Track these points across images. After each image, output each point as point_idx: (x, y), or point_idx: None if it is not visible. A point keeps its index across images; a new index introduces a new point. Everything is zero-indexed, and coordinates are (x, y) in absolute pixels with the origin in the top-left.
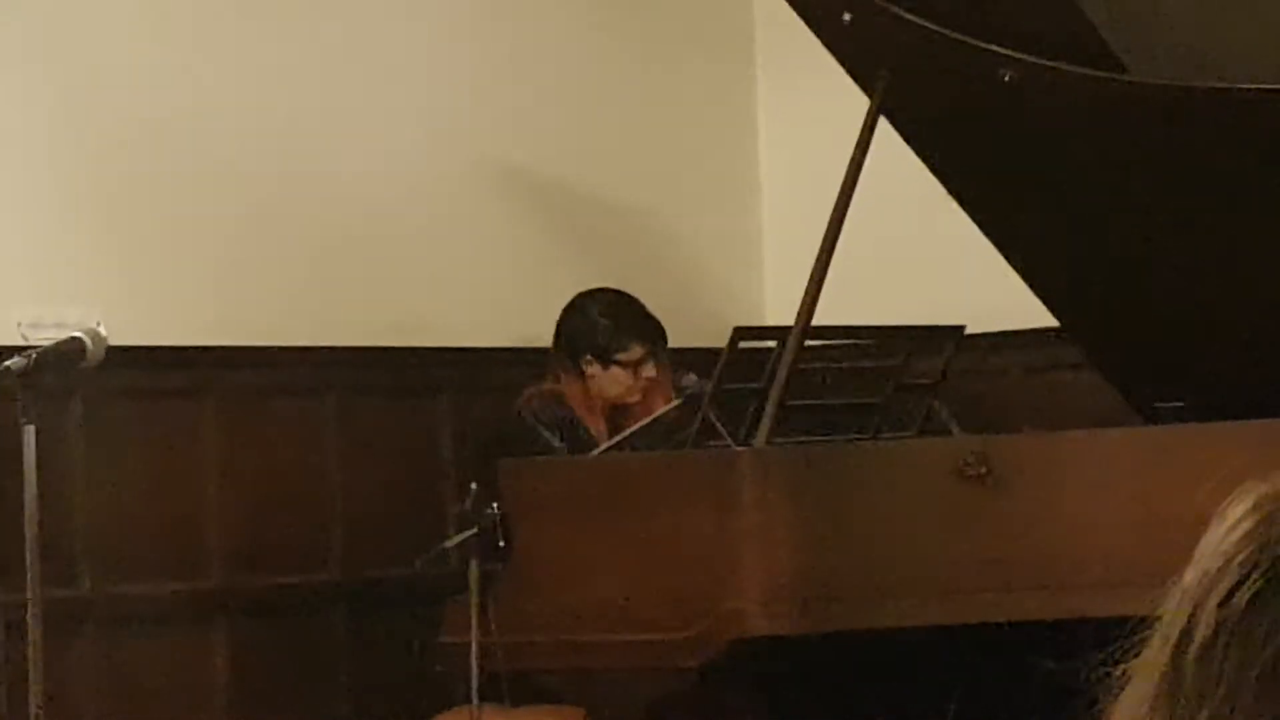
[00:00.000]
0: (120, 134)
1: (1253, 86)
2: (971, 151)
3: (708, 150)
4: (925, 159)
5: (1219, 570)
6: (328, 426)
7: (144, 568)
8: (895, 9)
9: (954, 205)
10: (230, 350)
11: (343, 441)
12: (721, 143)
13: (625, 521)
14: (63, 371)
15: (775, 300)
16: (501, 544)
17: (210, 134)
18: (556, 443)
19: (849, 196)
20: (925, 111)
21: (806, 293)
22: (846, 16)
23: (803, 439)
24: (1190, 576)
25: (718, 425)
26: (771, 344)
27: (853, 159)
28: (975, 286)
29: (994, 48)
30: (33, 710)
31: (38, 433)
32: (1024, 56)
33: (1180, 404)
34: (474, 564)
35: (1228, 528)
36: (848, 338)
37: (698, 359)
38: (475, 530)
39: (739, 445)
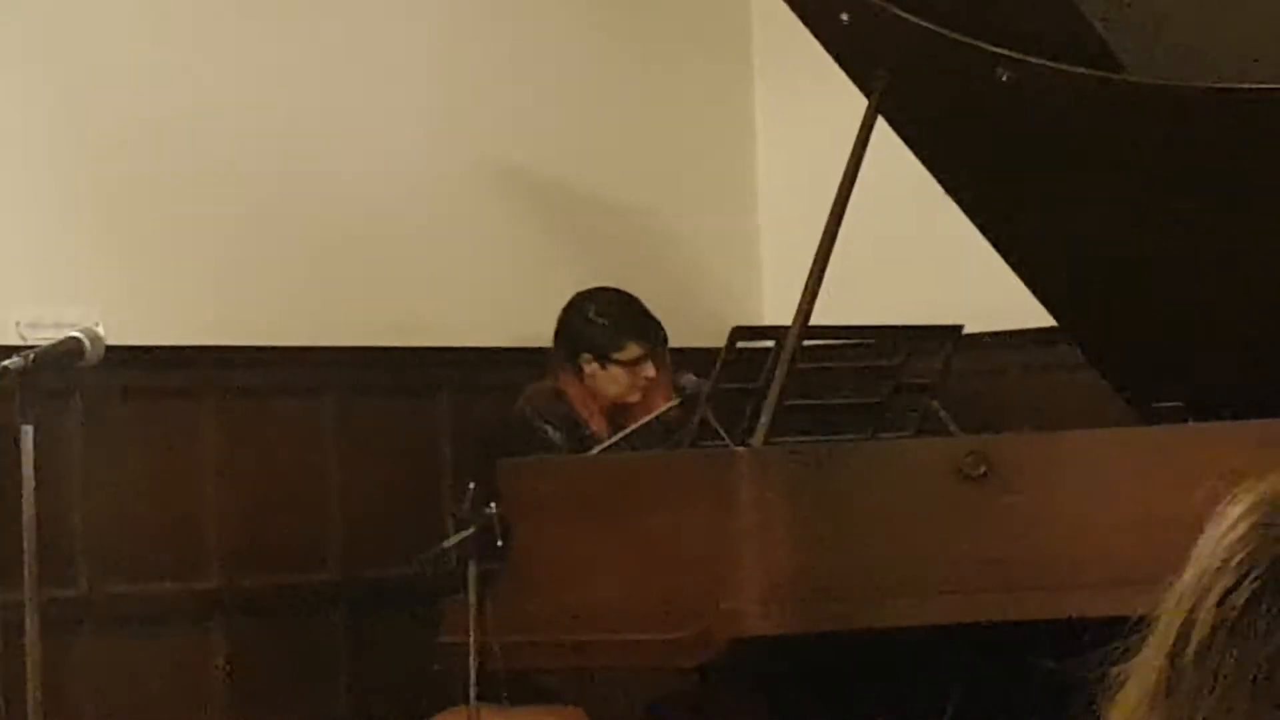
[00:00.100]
0: (120, 134)
1: (1252, 86)
2: (970, 151)
3: (706, 150)
4: (923, 159)
5: (1216, 571)
6: (327, 426)
7: (143, 568)
8: (893, 9)
9: (952, 205)
10: (229, 350)
11: (342, 441)
12: (720, 143)
13: (624, 521)
14: (61, 371)
15: (773, 300)
16: (500, 544)
17: (210, 134)
18: (558, 439)
19: (847, 196)
20: (923, 111)
21: (804, 292)
22: (844, 16)
23: (801, 439)
24: (1188, 577)
25: (715, 425)
26: (769, 344)
27: (851, 159)
28: (973, 286)
29: (992, 48)
30: (31, 710)
31: (36, 433)
32: (1022, 56)
33: (1178, 404)
34: (472, 564)
35: (1225, 528)
36: (846, 337)
37: (696, 359)
38: (473, 530)
39: (737, 445)
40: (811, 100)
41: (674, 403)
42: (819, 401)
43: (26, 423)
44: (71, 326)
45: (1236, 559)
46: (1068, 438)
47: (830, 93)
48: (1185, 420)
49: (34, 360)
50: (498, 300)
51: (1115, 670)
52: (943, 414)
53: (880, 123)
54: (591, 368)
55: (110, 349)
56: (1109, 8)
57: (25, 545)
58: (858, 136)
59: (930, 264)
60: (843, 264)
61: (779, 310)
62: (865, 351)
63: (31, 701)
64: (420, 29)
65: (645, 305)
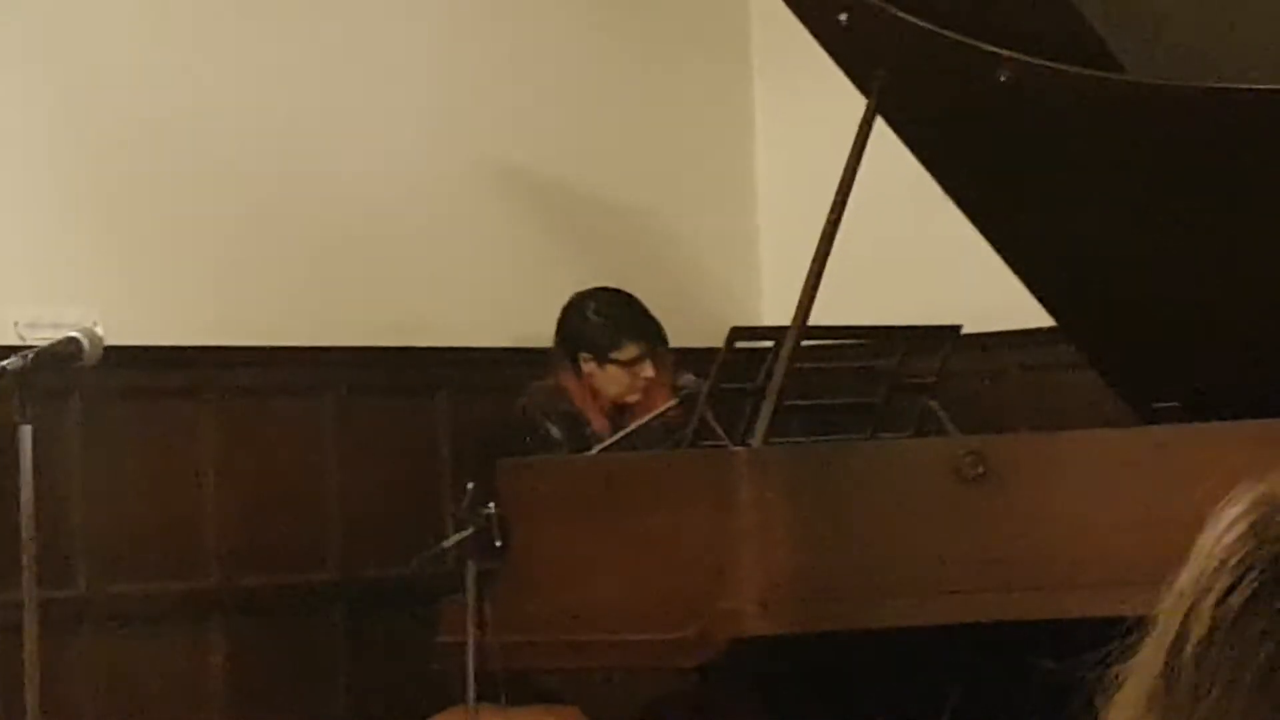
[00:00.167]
0: (120, 134)
1: (1251, 86)
2: (969, 152)
3: (705, 150)
4: (922, 159)
5: (1214, 571)
6: (326, 426)
7: (141, 567)
8: (892, 9)
9: (950, 205)
10: (229, 350)
11: (341, 441)
12: (719, 143)
13: (623, 521)
14: (60, 371)
15: (772, 300)
16: (498, 544)
17: (210, 134)
18: (559, 437)
19: (846, 196)
20: (922, 112)
21: (803, 292)
22: (843, 17)
23: (800, 439)
24: (1186, 577)
25: (714, 425)
26: (768, 344)
27: (849, 159)
28: (972, 286)
29: (991, 48)
30: (30, 710)
31: (35, 433)
32: (1021, 56)
33: (1177, 404)
34: (471, 564)
35: (1223, 528)
36: (845, 337)
37: (695, 359)
38: (472, 530)
39: (736, 445)
40: (811, 100)
41: (673, 402)
42: (818, 401)
43: (25, 423)
44: (70, 326)
45: (1235, 559)
46: (1066, 438)
47: (829, 93)
48: (1183, 420)
49: (33, 360)
50: (497, 300)
51: (1114, 670)
52: (941, 414)
53: (879, 123)
54: (590, 367)
55: (109, 349)
56: (1109, 8)
57: (24, 545)
58: (856, 136)
59: (929, 264)
60: (842, 264)
61: (778, 310)
62: (864, 351)
63: (30, 701)
64: (420, 29)
65: (645, 305)
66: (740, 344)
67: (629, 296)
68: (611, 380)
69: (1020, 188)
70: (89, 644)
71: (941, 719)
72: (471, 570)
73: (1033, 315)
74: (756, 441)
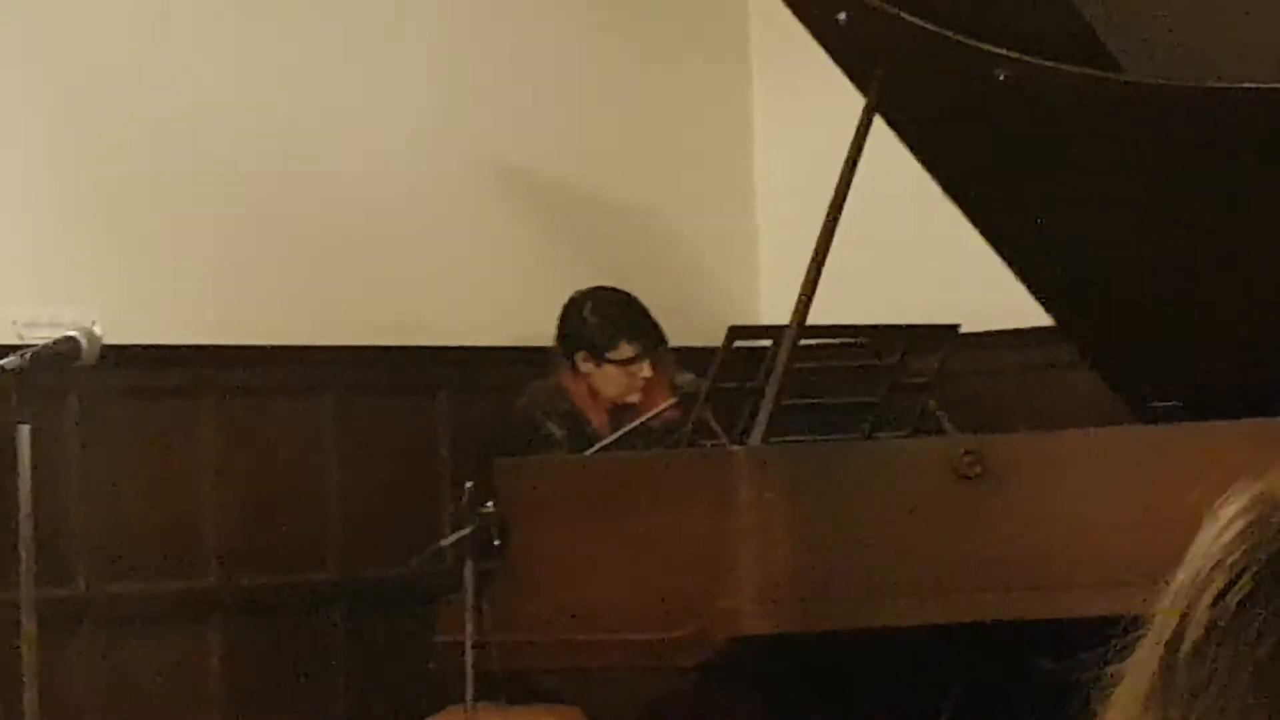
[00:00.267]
0: (120, 134)
1: (1251, 86)
2: (968, 151)
3: (705, 151)
4: (921, 159)
5: (1211, 570)
6: (326, 426)
7: (140, 567)
8: (891, 9)
9: (949, 205)
10: (228, 349)
11: (341, 441)
12: (718, 143)
13: (621, 521)
14: (59, 371)
15: (771, 299)
16: (497, 543)
17: (210, 134)
18: (561, 436)
19: (844, 196)
20: (921, 111)
21: (802, 291)
22: (842, 16)
23: (799, 438)
24: (1183, 576)
25: (713, 424)
26: (767, 343)
27: (848, 158)
28: (970, 285)
29: (990, 47)
30: (28, 709)
31: (33, 432)
32: (1020, 56)
33: (1176, 403)
34: (469, 563)
35: (1220, 527)
36: (843, 337)
37: (693, 358)
38: (470, 530)
39: (735, 444)
40: (809, 100)
41: (671, 402)
42: (816, 401)
43: (24, 422)
44: (69, 326)
45: (1231, 558)
46: (1065, 437)
47: (828, 93)
48: (1181, 419)
49: (31, 360)
50: (497, 300)
51: (1111, 669)
52: (940, 413)
53: (878, 122)
54: (587, 366)
55: (107, 348)
56: (1109, 8)
57: (22, 544)
58: (855, 136)
59: (927, 263)
60: (840, 263)
61: (777, 309)
62: (862, 351)
63: (29, 700)
64: (420, 29)
65: (644, 305)
66: (739, 343)
67: (628, 296)
68: (609, 380)
69: (1020, 188)
70: (88, 643)
71: (940, 718)
72: (470, 570)
73: (1032, 315)
74: (755, 441)
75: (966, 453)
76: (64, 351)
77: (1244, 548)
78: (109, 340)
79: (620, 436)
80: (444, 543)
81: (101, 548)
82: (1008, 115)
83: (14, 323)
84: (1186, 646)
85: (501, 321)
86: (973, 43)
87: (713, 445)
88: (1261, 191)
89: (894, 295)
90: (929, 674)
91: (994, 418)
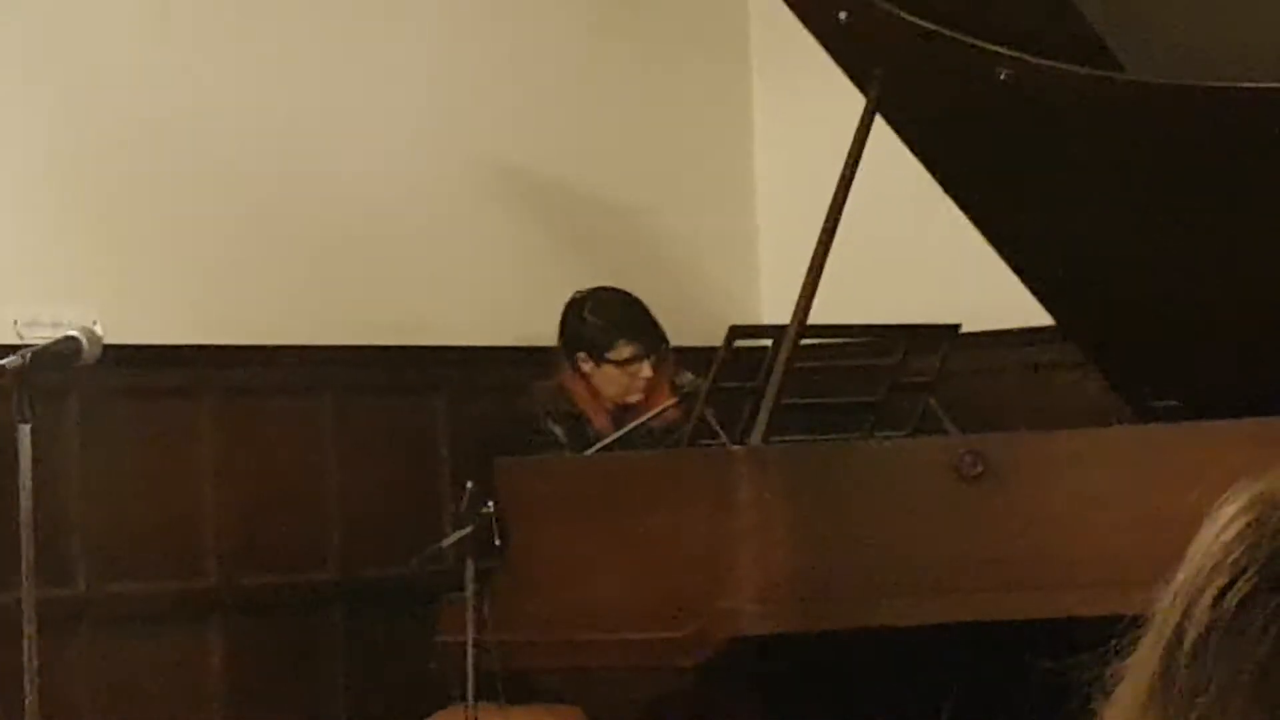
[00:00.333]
0: (120, 134)
1: (1251, 85)
2: (968, 151)
3: (705, 150)
4: (922, 158)
5: (1211, 570)
6: (325, 426)
7: (140, 567)
8: (891, 8)
9: (949, 204)
10: (228, 349)
11: (340, 441)
12: (718, 143)
13: (622, 521)
14: (59, 370)
15: (771, 299)
16: (497, 543)
17: (210, 134)
18: (562, 436)
19: (844, 195)
20: (922, 111)
21: (802, 291)
22: (842, 15)
23: (799, 438)
24: (1183, 576)
25: (713, 424)
26: (767, 343)
27: (848, 158)
28: (971, 285)
29: (991, 47)
30: (28, 709)
31: (33, 432)
32: (1021, 55)
33: (1176, 403)
34: (470, 563)
35: (1220, 527)
36: (843, 336)
37: (694, 358)
38: (470, 529)
39: (735, 444)
40: (810, 100)
41: (671, 402)
42: (817, 400)
43: (24, 422)
44: (69, 325)
45: (1231, 558)
46: (1065, 437)
47: (828, 93)
48: (1182, 419)
49: (31, 359)
50: (497, 300)
51: (1112, 669)
52: (940, 413)
53: (879, 122)
54: (588, 366)
55: (108, 348)
56: (1109, 8)
57: (23, 544)
58: (855, 136)
59: (927, 263)
60: (840, 263)
61: (777, 309)
62: (863, 350)
63: (29, 700)
64: (420, 29)
65: (644, 306)
66: (739, 343)
67: (628, 296)
68: (609, 380)
69: (1020, 187)
70: (88, 643)
71: (940, 718)
72: (471, 569)
73: (1032, 314)
74: (755, 440)
75: (966, 452)
76: (64, 351)
77: (1244, 547)
78: (109, 340)
79: (620, 436)
80: (444, 543)
81: (101, 548)
82: (1008, 115)
83: (14, 322)
84: (1186, 646)
85: (501, 321)
86: (973, 42)
87: (713, 445)
88: (1261, 191)
89: (894, 295)
90: (929, 674)
91: (994, 418)
